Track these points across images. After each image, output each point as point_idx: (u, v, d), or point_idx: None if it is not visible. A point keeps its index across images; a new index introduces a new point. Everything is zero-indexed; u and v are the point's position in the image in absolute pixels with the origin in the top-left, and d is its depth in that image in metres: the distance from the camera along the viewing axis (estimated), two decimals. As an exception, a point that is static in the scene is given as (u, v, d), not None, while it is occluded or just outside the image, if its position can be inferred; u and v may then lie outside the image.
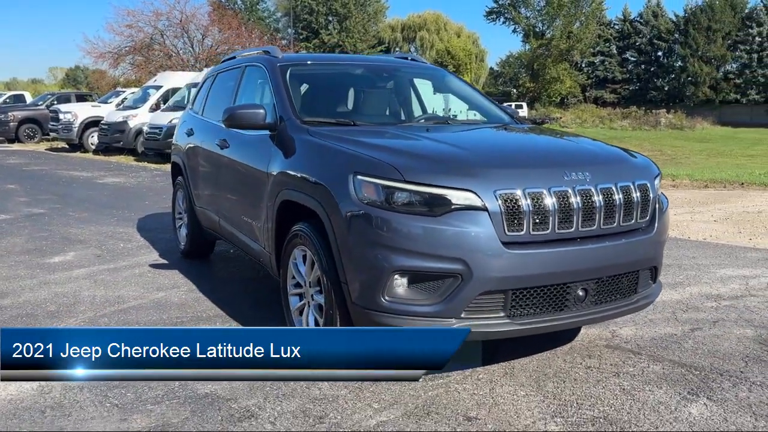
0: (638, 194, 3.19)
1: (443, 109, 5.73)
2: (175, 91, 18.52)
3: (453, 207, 2.84)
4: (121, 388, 3.21)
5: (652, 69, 57.76)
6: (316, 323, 3.42)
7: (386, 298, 2.91)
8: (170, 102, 17.94)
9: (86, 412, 2.97)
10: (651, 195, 3.27)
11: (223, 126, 4.63)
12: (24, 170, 14.81)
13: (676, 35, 56.25)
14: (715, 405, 3.00)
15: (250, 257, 4.52)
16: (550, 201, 2.92)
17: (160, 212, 8.62)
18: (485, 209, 2.84)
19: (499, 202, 2.85)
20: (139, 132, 18.05)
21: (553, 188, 2.94)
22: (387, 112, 4.47)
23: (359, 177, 3.01)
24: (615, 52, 58.68)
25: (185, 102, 17.63)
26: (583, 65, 58.17)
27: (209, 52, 28.16)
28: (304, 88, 4.42)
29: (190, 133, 5.52)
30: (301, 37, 58.70)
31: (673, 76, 56.30)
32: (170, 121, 16.30)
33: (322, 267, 3.21)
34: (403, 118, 4.48)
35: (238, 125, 3.99)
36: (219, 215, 4.85)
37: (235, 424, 2.85)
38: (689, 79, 54.76)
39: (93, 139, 20.22)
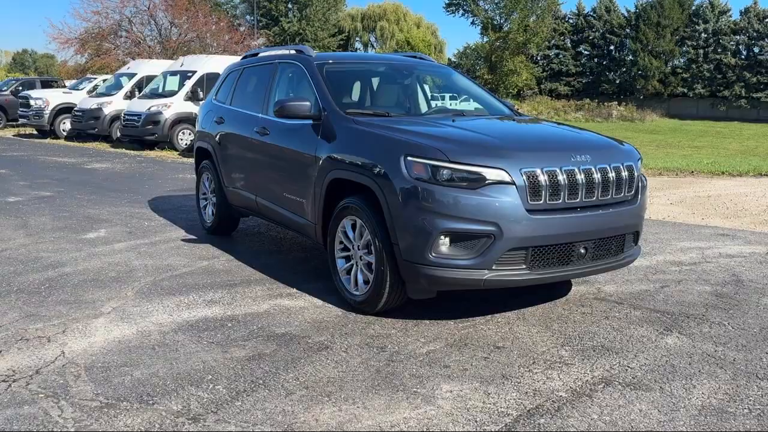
0: (626, 173, 4.04)
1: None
2: (150, 78, 18.80)
3: (487, 182, 3.63)
4: (209, 331, 3.91)
5: (604, 62, 59.77)
6: (365, 280, 4.16)
7: (433, 254, 3.68)
8: (147, 90, 18.25)
9: (190, 348, 3.65)
10: (635, 174, 4.12)
11: (261, 116, 5.35)
12: (4, 156, 15.01)
13: (628, 30, 58.26)
14: (685, 337, 3.87)
15: (291, 229, 5.22)
16: (561, 177, 3.74)
17: (167, 195, 9.19)
18: (513, 183, 3.63)
19: (524, 177, 3.65)
20: (114, 119, 18.35)
21: (563, 167, 3.76)
22: (410, 105, 5.22)
23: (409, 158, 3.77)
24: (569, 45, 60.49)
25: (161, 90, 17.98)
26: (539, 58, 59.82)
27: (179, 41, 28.29)
28: (339, 83, 5.12)
29: (220, 122, 6.16)
30: (260, 24, 58.59)
31: (625, 69, 58.34)
32: (148, 109, 16.68)
33: (374, 232, 3.96)
34: (424, 110, 5.22)
35: (287, 115, 4.69)
36: (256, 194, 5.53)
37: (316, 353, 3.59)
38: (640, 72, 56.83)
39: (65, 125, 20.36)
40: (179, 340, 3.78)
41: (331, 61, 5.22)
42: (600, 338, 3.85)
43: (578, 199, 3.81)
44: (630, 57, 57.56)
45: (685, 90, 56.49)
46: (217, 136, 6.18)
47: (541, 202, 3.70)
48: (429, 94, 5.90)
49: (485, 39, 57.30)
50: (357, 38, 67.77)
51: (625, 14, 59.08)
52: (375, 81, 5.43)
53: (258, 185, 5.51)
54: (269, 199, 5.34)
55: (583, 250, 3.89)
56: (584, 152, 3.92)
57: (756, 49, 54.85)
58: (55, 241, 6.25)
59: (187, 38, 28.18)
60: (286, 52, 5.82)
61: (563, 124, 4.93)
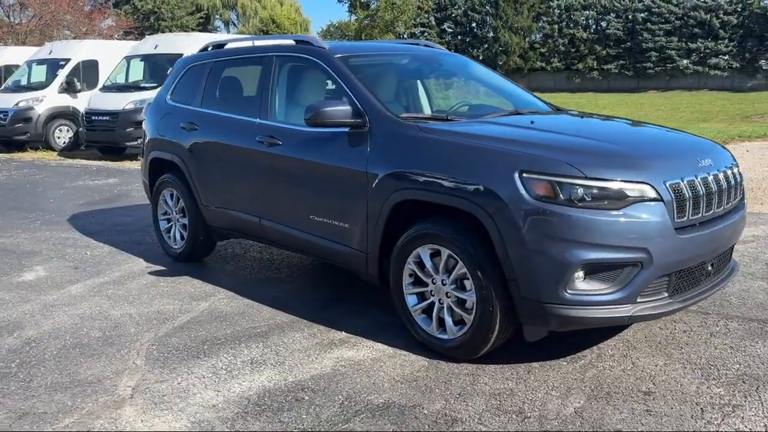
0: (739, 175, 3.62)
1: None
2: (9, 69, 16.27)
3: (631, 199, 3.04)
4: (287, 411, 3.05)
5: (468, 39, 61.21)
6: (457, 321, 3.46)
7: (568, 291, 3.05)
8: (9, 82, 15.87)
9: None
10: (741, 175, 3.72)
11: (262, 122, 4.44)
12: None
13: (488, 7, 59.95)
14: (812, 352, 3.55)
15: (319, 258, 4.37)
16: (700, 187, 3.24)
17: (85, 210, 7.81)
18: (660, 199, 3.07)
19: (670, 191, 3.11)
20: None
21: (698, 175, 3.26)
22: (454, 103, 4.47)
23: (526, 175, 3.10)
24: (434, 23, 61.31)
25: (27, 82, 15.63)
26: (406, 36, 60.15)
27: (36, 23, 25.02)
28: (371, 81, 4.28)
29: (191, 129, 5.10)
30: (109, 2, 54.06)
31: (487, 46, 60.13)
32: (17, 104, 14.51)
33: (475, 265, 3.26)
34: (462, 108, 4.50)
35: (323, 123, 3.83)
36: (260, 216, 4.59)
37: (448, 430, 2.86)
38: (501, 48, 58.82)
39: None
40: None
41: (353, 54, 4.37)
42: (733, 363, 3.42)
43: (712, 211, 3.34)
44: (491, 34, 59.36)
45: (543, 64, 59.22)
46: (190, 146, 5.11)
47: (685, 218, 3.18)
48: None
49: (353, 17, 56.69)
50: (217, 16, 64.63)
51: (485, -9, 60.67)
52: (403, 76, 4.65)
53: (264, 206, 4.57)
54: (284, 222, 4.43)
55: (710, 268, 3.43)
56: (705, 156, 3.45)
57: (604, 24, 58.45)
58: (-17, 289, 4.93)
59: (42, 21, 24.98)
60: (274, 42, 4.88)
61: (629, 120, 4.45)
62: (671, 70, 51.31)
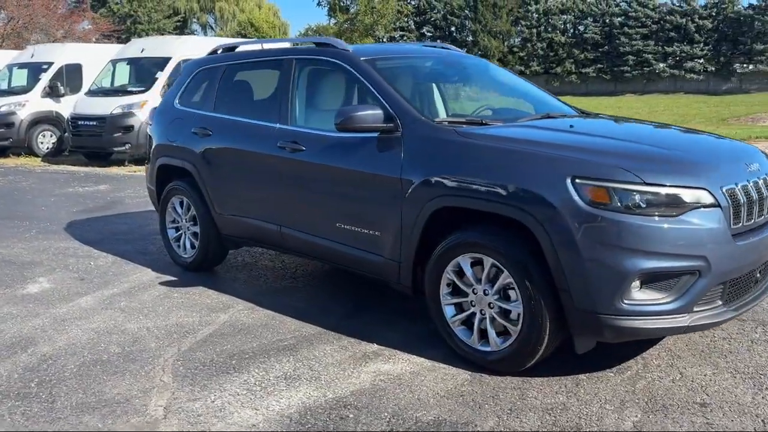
0: (780, 178, 3.56)
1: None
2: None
3: (689, 205, 2.95)
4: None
5: (447, 43, 61.28)
6: (501, 332, 3.35)
7: (625, 301, 2.95)
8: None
9: None
10: None
11: (282, 127, 4.31)
12: None
13: (467, 12, 60.23)
14: None
15: (345, 267, 4.22)
16: (753, 192, 3.17)
17: (81, 218, 7.56)
18: (718, 205, 2.99)
19: (726, 197, 3.03)
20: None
21: (750, 180, 3.19)
22: (478, 106, 4.34)
23: (579, 181, 3.00)
24: (413, 27, 61.42)
25: (7, 86, 15.16)
26: (386, 40, 60.13)
27: (13, 27, 24.46)
28: (399, 84, 4.14)
29: (205, 134, 4.92)
30: (84, 4, 53.26)
31: (466, 50, 60.10)
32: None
33: (523, 275, 3.15)
34: (486, 112, 4.38)
35: (354, 128, 3.70)
36: (280, 223, 4.44)
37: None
38: (480, 52, 59.00)
39: None
40: None
41: (379, 57, 4.24)
42: (781, 373, 3.35)
43: (763, 216, 3.27)
44: (471, 38, 59.62)
45: (522, 68, 59.57)
46: (203, 152, 4.93)
47: (740, 224, 3.10)
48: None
49: (333, 21, 56.58)
50: (194, 20, 64.10)
51: (464, -5, 60.96)
52: (429, 79, 4.53)
53: (284, 213, 4.42)
54: (306, 230, 4.28)
55: (759, 275, 3.36)
56: (752, 160, 3.38)
57: (581, 28, 59.02)
58: (-13, 302, 4.70)
59: (19, 24, 24.40)
60: (290, 45, 4.74)
61: (662, 123, 4.38)
62: (648, 73, 51.96)
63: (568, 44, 57.86)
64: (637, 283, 2.96)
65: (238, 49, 5.24)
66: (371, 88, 3.93)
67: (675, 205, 2.95)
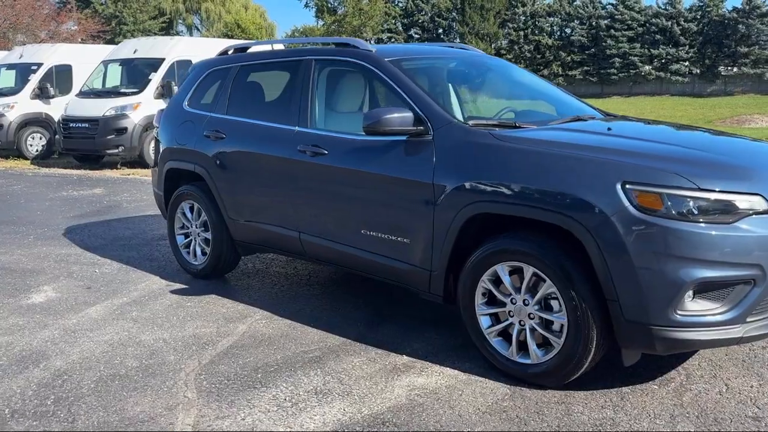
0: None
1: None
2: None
3: (744, 211, 2.85)
4: None
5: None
6: (541, 344, 3.22)
7: (679, 312, 2.84)
8: None
9: None
10: None
11: (301, 130, 4.17)
12: None
13: (454, 14, 60.29)
14: None
15: (370, 275, 4.07)
16: (796, 198, 3.06)
17: (79, 223, 7.35)
18: (772, 211, 2.89)
19: (778, 203, 2.92)
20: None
21: None
22: (508, 108, 4.21)
23: (630, 186, 2.88)
24: (401, 29, 61.36)
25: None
26: (374, 42, 60.03)
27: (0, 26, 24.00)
28: (427, 85, 4.01)
29: (218, 137, 4.75)
30: (68, 6, 52.67)
31: (454, 51, 60.19)
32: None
33: (567, 284, 3.02)
34: (507, 115, 4.23)
35: (383, 131, 3.56)
36: (299, 230, 4.29)
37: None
38: (468, 54, 58.83)
39: None
40: None
41: (404, 58, 4.10)
42: (828, 384, 3.26)
43: None
44: (458, 40, 59.56)
45: (510, 70, 59.58)
46: (216, 156, 4.76)
47: None
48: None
49: (320, 22, 56.40)
50: (180, 21, 63.65)
51: (451, -2, 61.03)
52: (454, 80, 4.39)
53: (304, 219, 4.26)
54: (328, 237, 4.13)
55: None
56: None
57: (568, 30, 59.29)
58: (-9, 313, 4.50)
59: (6, 24, 23.95)
60: (307, 45, 4.59)
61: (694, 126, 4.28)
62: (634, 75, 52.25)
63: (555, 46, 58.08)
64: (690, 293, 2.85)
65: (250, 50, 5.08)
66: (398, 89, 3.79)
67: (729, 212, 2.84)
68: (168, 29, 58.65)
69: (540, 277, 3.15)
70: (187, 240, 5.25)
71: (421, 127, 3.58)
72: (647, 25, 52.40)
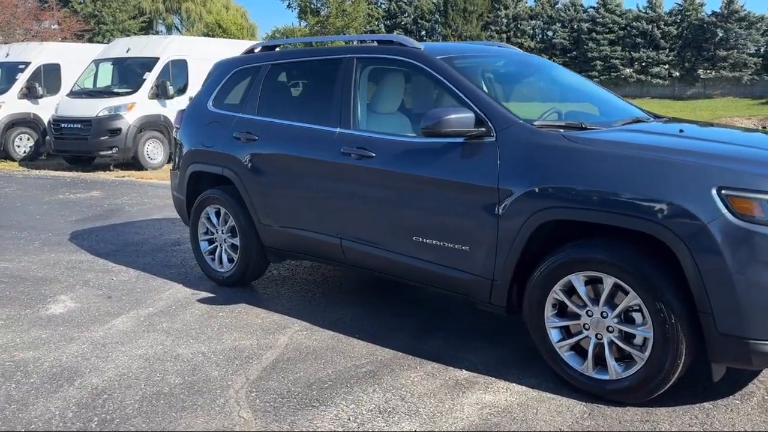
0: None
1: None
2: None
3: (841, 219, 2.70)
4: None
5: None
6: (621, 357, 3.05)
7: (780, 324, 2.68)
8: None
9: None
10: None
11: (344, 132, 3.97)
12: None
13: (437, 16, 60.36)
14: None
15: (421, 283, 3.87)
16: None
17: (84, 228, 7.05)
18: None
19: None
20: None
21: None
22: (553, 109, 4.00)
23: (726, 192, 2.72)
24: (384, 30, 61.15)
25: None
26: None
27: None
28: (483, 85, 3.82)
29: (249, 139, 4.52)
30: (45, 5, 51.69)
31: (437, 53, 60.21)
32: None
33: (655, 296, 2.85)
34: (551, 116, 4.04)
35: (444, 133, 3.37)
36: (341, 236, 4.07)
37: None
38: (450, 56, 58.88)
39: None
40: None
41: (455, 56, 3.91)
42: None
43: None
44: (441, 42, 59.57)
45: (493, 72, 59.80)
46: (247, 159, 4.53)
47: None
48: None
49: (303, 23, 56.02)
50: (160, 21, 62.89)
51: (435, 0, 61.13)
52: (503, 79, 4.22)
53: (347, 225, 4.04)
54: (374, 243, 3.92)
55: None
56: None
57: (550, 33, 59.65)
58: (10, 325, 4.21)
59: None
60: (346, 43, 4.38)
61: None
62: (615, 78, 52.62)
63: (537, 49, 58.32)
64: (791, 303, 2.70)
65: (279, 48, 4.86)
66: (455, 89, 3.59)
67: (831, 218, 2.69)
68: (148, 29, 57.89)
69: (621, 288, 2.98)
70: (211, 246, 5.00)
71: (483, 129, 3.40)
72: (628, 28, 52.85)
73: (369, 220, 3.95)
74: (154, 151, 12.35)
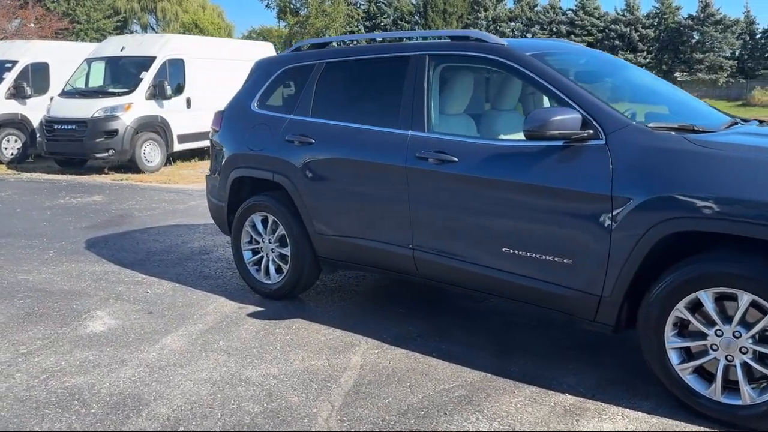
0: None
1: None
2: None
3: None
4: None
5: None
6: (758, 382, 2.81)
7: None
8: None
9: None
10: None
11: (416, 134, 3.68)
12: None
13: (417, 17, 60.26)
14: None
15: (511, 298, 3.58)
16: None
17: (98, 236, 6.64)
18: None
19: None
20: None
21: None
22: (630, 110, 3.73)
23: None
24: (363, 31, 60.85)
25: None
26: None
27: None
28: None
29: (304, 143, 4.20)
30: (18, 4, 50.40)
31: (417, 54, 60.14)
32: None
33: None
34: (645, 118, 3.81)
35: (548, 136, 3.10)
36: (414, 247, 3.78)
37: None
38: (430, 57, 58.86)
39: None
40: None
41: (543, 52, 3.63)
42: None
43: None
44: (421, 42, 59.52)
45: (473, 74, 59.90)
46: (303, 164, 4.21)
47: None
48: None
49: (283, 23, 55.53)
50: (135, 20, 61.82)
51: (414, 2, 61.06)
52: (591, 78, 3.94)
53: (422, 235, 3.74)
54: (453, 254, 3.63)
55: None
56: None
57: (529, 35, 59.86)
58: (50, 346, 3.83)
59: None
60: (415, 40, 4.10)
61: None
62: (594, 81, 53.03)
63: (517, 51, 58.66)
64: None
65: (333, 45, 4.55)
66: (554, 88, 3.32)
67: None
68: (123, 28, 56.84)
69: (760, 307, 2.72)
70: (256, 256, 4.66)
71: (590, 131, 3.13)
72: (606, 30, 53.30)
73: (448, 229, 3.66)
74: (151, 153, 11.89)
